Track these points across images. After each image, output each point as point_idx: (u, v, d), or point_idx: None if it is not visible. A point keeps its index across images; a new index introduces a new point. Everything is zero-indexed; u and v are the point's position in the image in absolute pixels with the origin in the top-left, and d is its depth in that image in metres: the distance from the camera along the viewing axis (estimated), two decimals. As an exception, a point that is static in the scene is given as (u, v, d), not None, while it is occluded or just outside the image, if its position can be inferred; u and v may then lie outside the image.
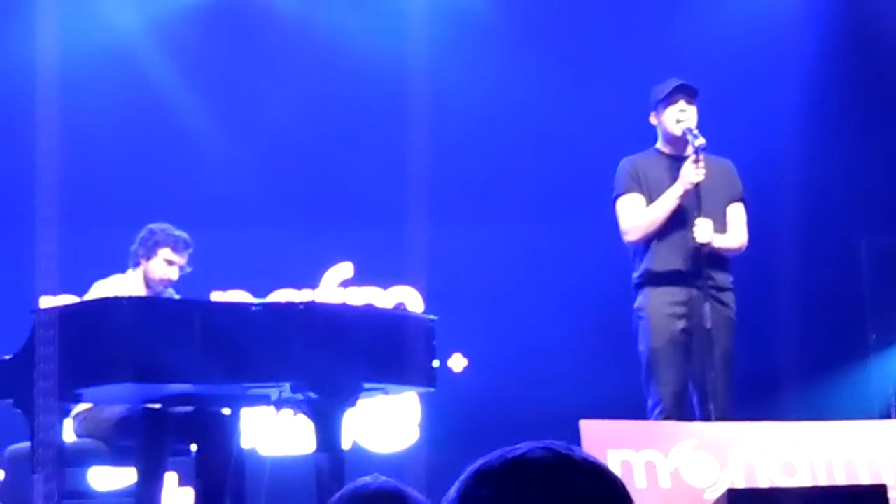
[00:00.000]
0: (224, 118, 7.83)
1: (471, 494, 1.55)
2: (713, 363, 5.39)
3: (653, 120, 5.74)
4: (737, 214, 5.72)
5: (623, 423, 5.20)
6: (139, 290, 5.52)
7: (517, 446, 1.57)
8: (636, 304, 5.68)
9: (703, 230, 5.50)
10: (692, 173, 5.51)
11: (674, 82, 5.65)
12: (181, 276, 5.67)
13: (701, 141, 5.54)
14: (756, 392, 6.50)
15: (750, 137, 7.01)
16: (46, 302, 6.71)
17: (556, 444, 1.57)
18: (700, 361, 5.45)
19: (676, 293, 5.55)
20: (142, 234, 5.61)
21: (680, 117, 5.61)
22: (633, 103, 6.40)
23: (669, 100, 5.64)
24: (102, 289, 5.47)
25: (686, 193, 5.54)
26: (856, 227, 7.70)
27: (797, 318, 7.24)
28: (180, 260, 5.58)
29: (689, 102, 5.63)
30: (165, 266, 5.55)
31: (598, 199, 6.09)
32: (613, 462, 4.90)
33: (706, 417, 5.36)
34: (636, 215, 5.65)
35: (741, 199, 5.76)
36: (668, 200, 5.57)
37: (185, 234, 5.62)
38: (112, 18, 7.67)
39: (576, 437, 4.92)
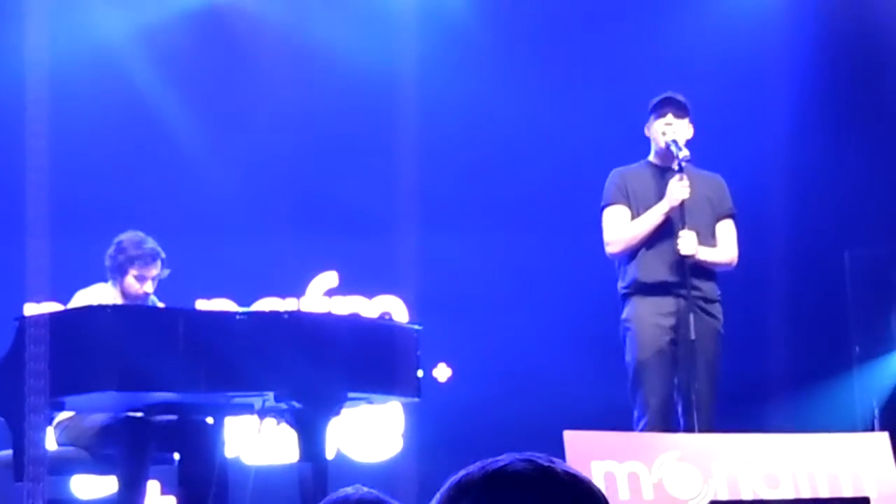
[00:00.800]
0: (211, 126, 7.82)
1: (452, 507, 1.54)
2: (697, 374, 5.40)
3: (646, 132, 5.76)
4: (726, 230, 5.73)
5: (607, 434, 5.20)
6: (117, 301, 5.49)
7: (498, 458, 1.56)
8: (623, 315, 5.69)
9: (686, 242, 5.51)
10: (678, 190, 5.52)
11: (665, 94, 5.68)
12: (164, 283, 5.65)
13: (684, 153, 5.56)
14: (740, 403, 6.51)
15: (735, 150, 7.03)
16: (30, 309, 6.69)
17: (538, 457, 1.57)
18: (685, 372, 5.45)
19: (663, 304, 5.56)
20: (110, 250, 5.54)
21: (665, 130, 5.63)
22: (622, 113, 6.43)
23: (658, 112, 5.67)
24: (84, 297, 5.45)
25: (671, 210, 5.56)
26: (840, 239, 7.72)
27: (781, 330, 7.26)
28: (151, 272, 5.51)
29: (678, 116, 5.65)
30: (137, 283, 5.50)
31: (585, 210, 6.10)
32: (597, 473, 4.90)
33: (690, 428, 5.37)
34: (619, 228, 5.67)
35: (731, 216, 5.77)
36: (653, 217, 5.59)
37: (150, 245, 5.51)
38: (101, 26, 7.65)
39: (560, 448, 4.92)
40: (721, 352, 5.63)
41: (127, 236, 5.56)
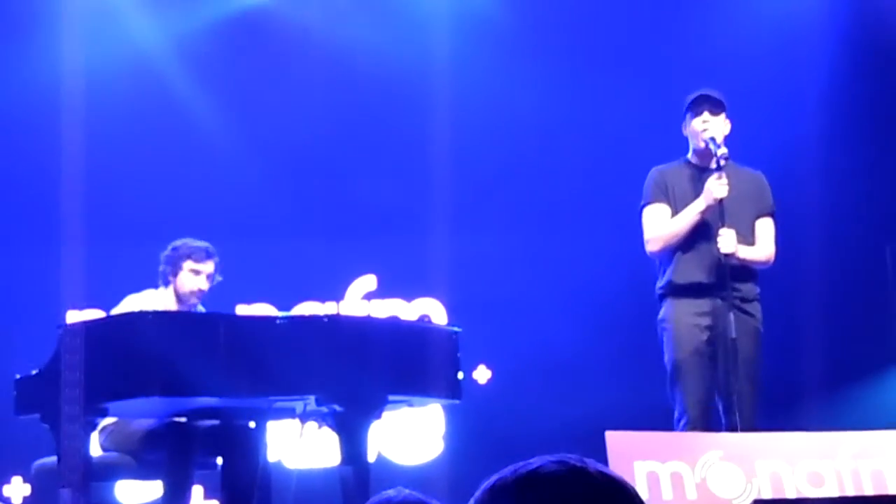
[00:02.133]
0: (247, 132, 7.85)
1: (486, 511, 1.54)
2: (738, 373, 5.37)
3: (684, 130, 5.74)
4: (765, 228, 5.70)
5: (649, 435, 5.18)
6: (171, 306, 5.54)
7: (530, 461, 1.56)
8: (660, 316, 5.67)
9: (726, 241, 5.48)
10: (716, 188, 5.49)
11: (700, 92, 5.65)
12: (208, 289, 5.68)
13: (723, 151, 5.53)
14: (782, 402, 6.47)
15: (772, 146, 6.98)
16: (72, 317, 6.75)
17: (570, 457, 1.56)
18: (725, 372, 5.43)
19: (700, 304, 5.54)
20: (165, 252, 5.65)
21: (702, 128, 5.60)
22: (657, 110, 6.40)
23: (694, 110, 5.64)
24: (134, 302, 5.50)
25: (709, 208, 5.53)
26: (881, 233, 7.66)
27: (823, 327, 7.21)
28: (205, 268, 5.60)
29: (714, 113, 5.62)
30: (192, 277, 5.58)
31: (623, 209, 6.09)
32: (640, 474, 4.88)
33: (732, 428, 5.34)
34: (659, 226, 5.65)
35: (770, 214, 5.73)
36: (691, 214, 5.56)
37: (205, 244, 5.65)
38: (136, 35, 7.71)
39: (601, 449, 4.90)
40: (761, 351, 5.60)
41: (183, 239, 5.66)
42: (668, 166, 5.77)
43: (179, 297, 5.59)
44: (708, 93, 5.65)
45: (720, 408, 5.48)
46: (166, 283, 5.63)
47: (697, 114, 5.63)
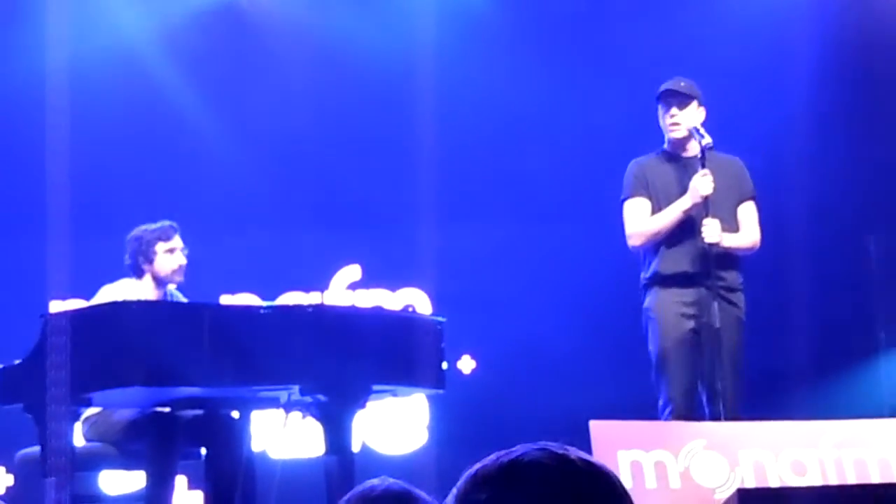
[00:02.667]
0: (232, 122, 7.84)
1: (469, 500, 1.54)
2: (722, 363, 5.39)
3: (660, 121, 5.75)
4: (748, 213, 5.71)
5: (633, 424, 5.20)
6: (150, 295, 5.52)
7: (512, 449, 1.57)
8: (645, 305, 5.68)
9: (711, 230, 5.49)
10: (702, 185, 5.50)
11: (667, 84, 5.65)
12: (188, 278, 5.66)
13: (707, 140, 5.54)
14: (766, 391, 6.49)
15: (756, 135, 7.00)
16: (56, 306, 6.73)
17: (552, 446, 1.57)
18: (710, 361, 5.44)
19: (685, 293, 5.55)
20: (129, 247, 5.57)
21: (670, 122, 5.62)
22: (640, 102, 6.39)
23: (662, 103, 5.66)
24: (110, 293, 5.47)
25: (695, 205, 5.53)
26: (864, 224, 7.68)
27: (806, 317, 7.22)
28: (177, 243, 5.57)
29: (682, 106, 5.62)
30: (169, 256, 5.54)
31: (607, 200, 6.09)
32: (623, 463, 4.89)
33: (715, 417, 5.36)
34: (640, 222, 5.66)
35: (752, 198, 5.75)
36: (674, 212, 5.57)
37: (165, 222, 5.60)
38: (121, 25, 7.68)
39: (585, 438, 4.92)
40: (744, 340, 5.62)
41: (135, 230, 5.60)
42: (647, 158, 5.78)
43: (161, 282, 5.55)
44: (674, 86, 5.64)
45: (704, 397, 5.50)
46: (139, 274, 5.57)
47: (666, 108, 5.65)
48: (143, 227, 5.59)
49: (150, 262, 5.53)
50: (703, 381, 5.49)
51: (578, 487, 1.52)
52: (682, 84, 5.65)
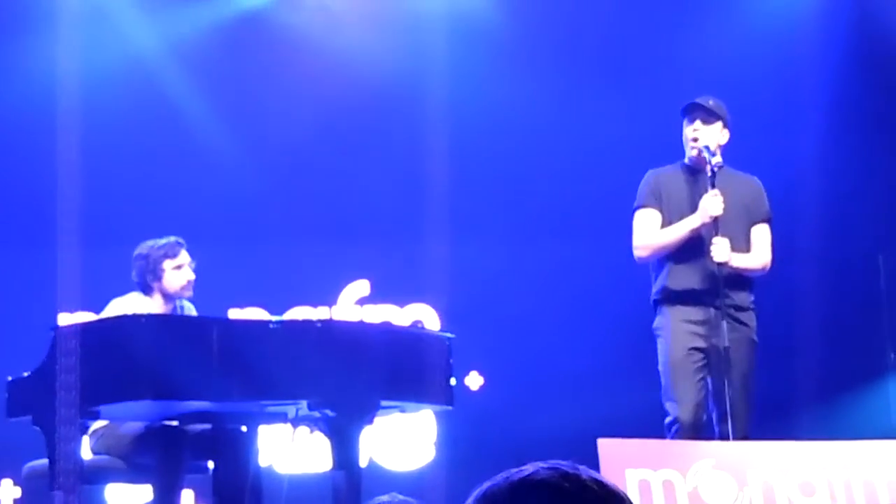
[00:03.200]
0: (242, 136, 7.85)
1: (479, 518, 1.54)
2: (731, 382, 5.37)
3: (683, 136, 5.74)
4: (761, 235, 5.69)
5: (641, 442, 5.18)
6: (159, 310, 5.51)
7: (522, 468, 1.56)
8: (655, 324, 5.67)
9: (720, 249, 5.48)
10: (711, 206, 5.48)
11: (694, 100, 5.65)
12: (196, 292, 5.66)
13: (717, 160, 5.53)
14: (775, 411, 6.47)
15: (766, 152, 6.98)
16: (65, 319, 6.73)
17: (562, 464, 1.56)
18: (718, 381, 5.43)
19: (694, 312, 5.54)
20: (136, 265, 5.57)
21: (694, 137, 5.61)
22: (654, 117, 6.39)
23: (687, 117, 5.65)
24: (120, 306, 5.47)
25: (704, 224, 5.52)
26: (874, 243, 7.67)
27: (815, 336, 7.21)
28: (184, 259, 5.56)
29: (707, 122, 5.61)
30: (177, 273, 5.54)
31: (618, 216, 6.08)
32: (631, 481, 4.88)
33: (724, 436, 5.34)
34: (648, 234, 5.65)
35: (766, 220, 5.72)
36: (683, 229, 5.56)
37: (170, 238, 5.60)
38: (132, 38, 7.70)
39: (593, 456, 4.90)
40: (755, 360, 5.60)
41: (140, 247, 5.60)
42: (664, 169, 5.77)
43: (170, 298, 5.55)
44: (702, 101, 5.64)
45: (714, 416, 5.48)
46: (148, 291, 5.56)
47: (690, 121, 5.64)
48: (149, 243, 5.58)
49: (159, 279, 5.53)
50: (714, 401, 5.47)
51: (587, 506, 1.52)
52: (711, 102, 5.64)
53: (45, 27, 7.41)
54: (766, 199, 5.75)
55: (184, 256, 5.57)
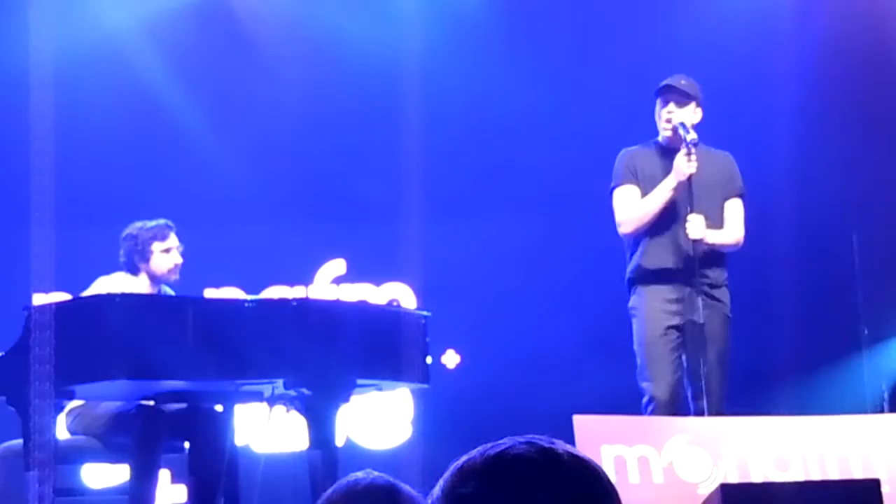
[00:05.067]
0: (216, 116, 7.82)
1: (456, 492, 1.54)
2: (706, 359, 5.39)
3: (655, 115, 5.74)
4: (734, 210, 5.71)
5: (616, 419, 5.20)
6: (144, 291, 5.50)
7: (499, 442, 1.56)
8: (630, 303, 5.69)
9: (695, 226, 5.50)
10: (685, 165, 5.51)
11: (669, 80, 5.65)
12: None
13: (692, 136, 5.54)
14: (749, 387, 6.51)
15: (742, 132, 7.00)
16: (39, 299, 6.70)
17: (539, 438, 1.57)
18: (694, 358, 5.45)
19: (668, 290, 5.56)
20: (125, 245, 5.57)
21: (666, 117, 5.62)
22: (628, 97, 6.40)
23: (661, 98, 5.65)
24: (104, 285, 5.45)
25: (679, 186, 5.53)
26: (848, 221, 7.71)
27: (790, 313, 7.24)
28: (173, 242, 5.57)
29: (680, 104, 5.62)
30: (165, 256, 5.54)
31: (593, 195, 6.10)
32: (607, 457, 4.90)
33: (700, 413, 5.37)
34: (630, 207, 5.65)
35: (739, 195, 5.74)
36: (662, 193, 5.57)
37: (160, 221, 5.60)
38: (106, 18, 7.65)
39: (569, 433, 4.92)
40: (730, 336, 5.63)
41: (130, 227, 5.59)
42: (638, 148, 5.79)
43: (156, 280, 5.56)
44: (675, 83, 5.64)
45: (689, 394, 5.51)
46: (135, 271, 5.56)
47: (664, 104, 5.64)
48: (139, 224, 5.58)
49: (147, 261, 5.53)
50: (689, 377, 5.50)
51: (565, 481, 1.52)
52: (683, 82, 5.65)
53: (17, 7, 7.35)
54: (738, 174, 5.77)
55: (172, 240, 5.58)
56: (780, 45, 7.57)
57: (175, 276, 5.57)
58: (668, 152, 5.68)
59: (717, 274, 5.62)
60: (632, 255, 5.70)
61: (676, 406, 5.50)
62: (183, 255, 5.66)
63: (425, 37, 7.50)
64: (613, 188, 5.73)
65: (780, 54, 7.57)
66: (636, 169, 5.69)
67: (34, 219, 6.24)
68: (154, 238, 5.53)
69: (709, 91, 5.80)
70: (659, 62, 6.68)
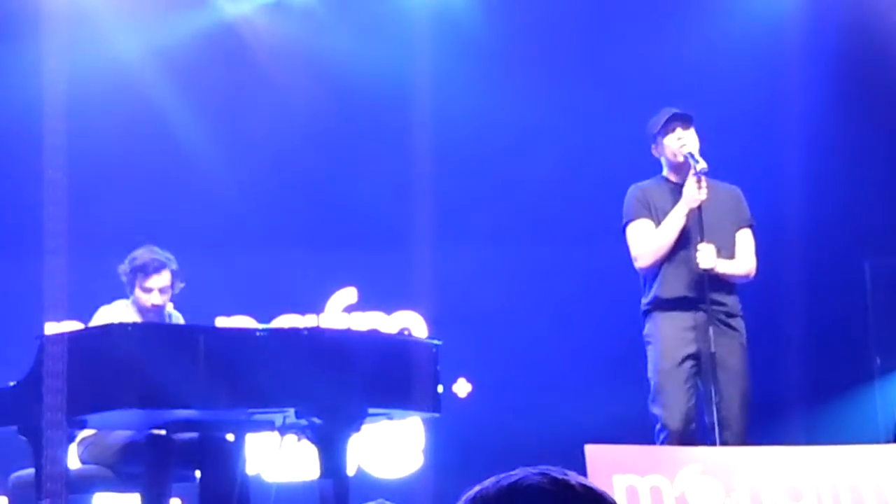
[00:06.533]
0: (228, 143, 7.84)
1: (468, 522, 1.54)
2: (719, 388, 5.38)
3: (655, 152, 5.75)
4: (744, 241, 5.72)
5: (628, 448, 5.19)
6: (134, 318, 5.49)
7: (512, 473, 1.56)
8: (645, 331, 5.68)
9: (705, 255, 5.50)
10: (695, 191, 5.51)
11: (667, 112, 5.67)
12: (184, 300, 5.65)
13: (702, 165, 5.55)
14: (761, 416, 6.48)
15: (753, 161, 7.01)
16: (51, 328, 6.72)
17: (552, 470, 1.56)
18: (709, 387, 5.44)
19: (683, 319, 5.55)
20: (124, 265, 5.58)
21: (679, 144, 5.62)
22: (640, 124, 6.40)
23: (666, 129, 5.66)
24: (106, 314, 5.47)
25: (690, 213, 5.54)
26: (859, 249, 7.69)
27: (801, 342, 7.23)
28: (154, 283, 5.48)
29: (685, 127, 5.64)
30: (144, 295, 5.50)
31: (605, 223, 6.09)
32: (619, 487, 4.88)
33: (724, 444, 5.33)
34: (646, 241, 5.65)
35: (749, 226, 5.75)
36: (674, 222, 5.57)
37: (154, 256, 5.51)
38: (117, 46, 7.68)
39: (581, 463, 4.90)
40: (748, 365, 5.61)
41: (138, 251, 5.58)
42: (647, 183, 5.79)
43: (140, 311, 5.54)
44: (674, 110, 5.67)
45: (714, 423, 5.44)
46: (130, 296, 5.58)
47: (670, 131, 5.65)
48: (134, 254, 5.56)
49: (132, 290, 5.54)
50: (707, 407, 5.48)
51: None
52: (677, 111, 5.68)
53: (30, 35, 7.39)
54: (746, 206, 5.78)
55: (155, 280, 5.48)
56: (790, 73, 7.57)
57: (151, 316, 5.50)
58: (677, 186, 5.68)
59: (732, 302, 5.63)
60: (648, 285, 5.69)
61: (688, 435, 5.48)
62: (195, 283, 5.66)
63: (436, 63, 7.51)
64: (626, 223, 5.73)
65: (790, 82, 7.57)
66: (649, 203, 5.69)
67: (47, 248, 6.26)
68: (136, 272, 5.50)
69: (719, 119, 5.81)
70: (669, 88, 6.70)
